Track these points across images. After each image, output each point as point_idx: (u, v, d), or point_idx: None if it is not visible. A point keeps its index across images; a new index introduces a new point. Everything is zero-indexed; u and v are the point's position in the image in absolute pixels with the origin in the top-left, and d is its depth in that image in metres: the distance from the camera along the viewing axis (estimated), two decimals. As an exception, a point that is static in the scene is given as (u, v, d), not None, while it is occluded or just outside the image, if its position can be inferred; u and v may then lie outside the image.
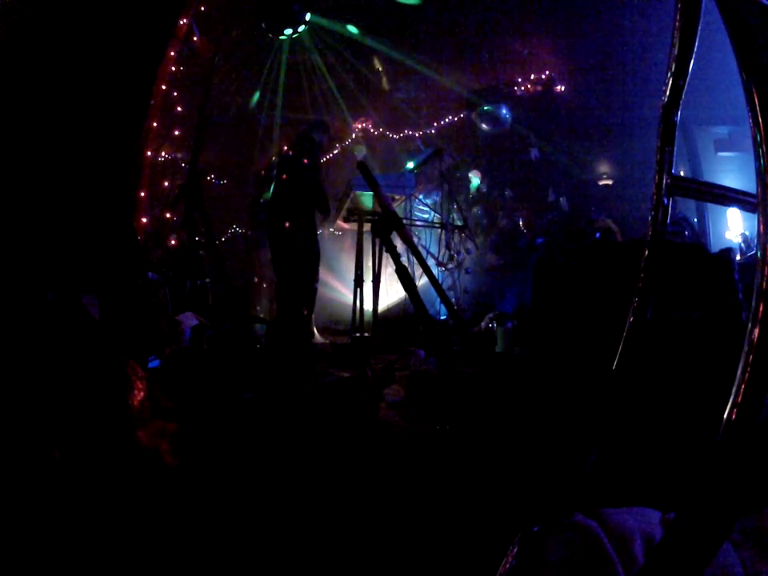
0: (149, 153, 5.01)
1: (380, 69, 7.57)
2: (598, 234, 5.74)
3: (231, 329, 3.10)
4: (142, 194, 4.75)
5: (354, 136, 8.04)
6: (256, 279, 6.23)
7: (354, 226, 4.13)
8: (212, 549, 1.16)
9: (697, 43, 0.72)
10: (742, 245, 5.63)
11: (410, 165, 5.59)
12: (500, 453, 1.66)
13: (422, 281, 4.07)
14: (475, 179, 7.33)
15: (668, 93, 0.75)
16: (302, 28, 5.44)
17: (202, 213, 2.87)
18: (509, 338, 3.77)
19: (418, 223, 5.92)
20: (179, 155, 5.72)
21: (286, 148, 4.32)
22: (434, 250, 5.66)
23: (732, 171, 6.80)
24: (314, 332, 4.64)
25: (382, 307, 4.33)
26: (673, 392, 1.48)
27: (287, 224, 4.07)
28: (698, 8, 0.71)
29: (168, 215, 5.16)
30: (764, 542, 0.77)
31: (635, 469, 1.26)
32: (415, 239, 5.54)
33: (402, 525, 1.31)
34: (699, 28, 0.72)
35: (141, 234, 4.61)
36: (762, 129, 0.58)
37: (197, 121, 3.62)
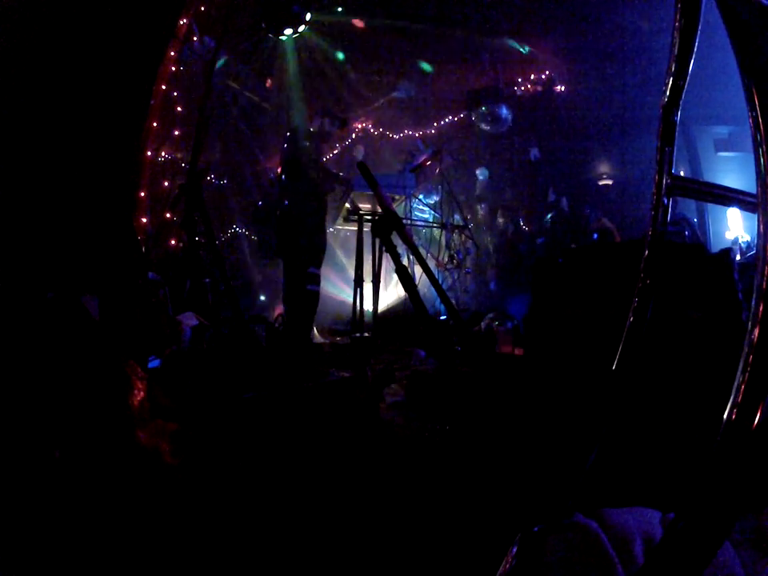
0: (149, 153, 5.01)
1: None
2: (595, 235, 5.75)
3: (231, 329, 3.10)
4: (142, 194, 4.75)
5: (353, 136, 8.03)
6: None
7: (354, 225, 4.13)
8: (212, 548, 1.16)
9: (697, 43, 0.72)
10: (742, 245, 5.64)
11: (410, 165, 5.59)
12: (500, 453, 1.66)
13: (422, 281, 4.07)
14: (482, 175, 7.38)
15: (668, 93, 0.75)
16: (302, 28, 5.43)
17: (202, 213, 2.87)
18: (509, 338, 3.77)
19: (418, 223, 5.93)
20: (179, 155, 5.71)
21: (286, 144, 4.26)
22: (434, 249, 5.67)
23: (732, 171, 6.81)
24: (313, 332, 4.63)
25: (381, 307, 4.32)
26: (673, 392, 1.48)
27: (286, 222, 4.04)
28: (698, 8, 0.71)
29: (168, 215, 5.15)
30: (764, 542, 0.77)
31: (635, 469, 1.26)
32: (415, 239, 5.54)
33: (402, 524, 1.31)
34: (699, 28, 0.72)
35: (141, 234, 4.61)
36: (762, 129, 0.58)
37: (197, 121, 3.62)
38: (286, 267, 4.10)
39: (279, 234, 4.07)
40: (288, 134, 4.22)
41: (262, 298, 6.28)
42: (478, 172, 7.40)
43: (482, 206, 7.33)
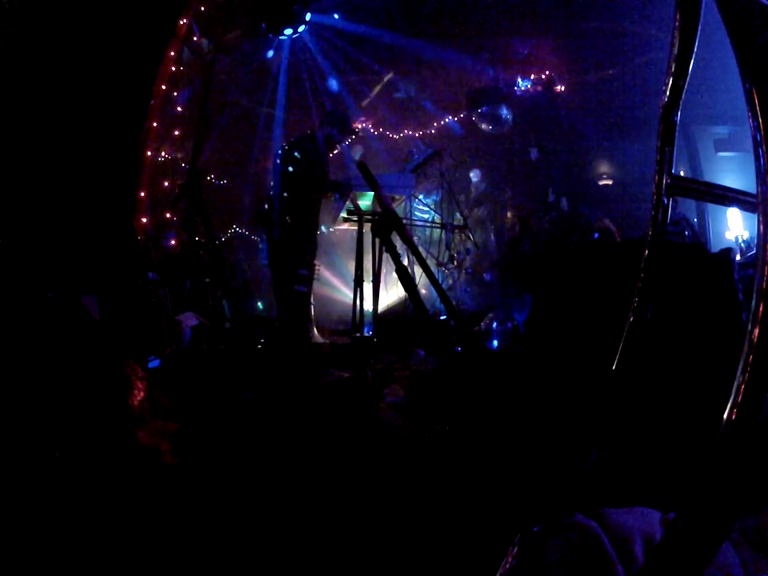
0: (149, 153, 5.01)
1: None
2: (596, 234, 5.76)
3: (231, 329, 3.10)
4: (142, 194, 4.75)
5: (353, 136, 8.03)
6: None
7: (353, 225, 4.12)
8: (212, 548, 1.16)
9: (697, 43, 0.72)
10: (742, 245, 5.63)
11: (410, 165, 5.58)
12: (500, 453, 1.66)
13: (422, 281, 4.06)
14: (476, 177, 7.38)
15: (668, 93, 0.75)
16: (302, 28, 5.43)
17: (202, 213, 2.87)
18: (509, 338, 3.77)
19: (418, 223, 5.93)
20: (179, 155, 5.71)
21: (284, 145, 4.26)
22: (434, 250, 5.67)
23: (732, 171, 6.80)
24: (313, 332, 4.63)
25: (381, 307, 4.32)
26: (673, 392, 1.48)
27: (279, 223, 4.03)
28: (698, 8, 0.71)
29: (168, 215, 5.15)
30: (764, 541, 0.77)
31: (635, 469, 1.26)
32: (415, 239, 5.54)
33: (402, 524, 1.31)
34: (699, 28, 0.72)
35: (141, 234, 4.61)
36: (762, 129, 0.58)
37: (197, 121, 3.63)
38: (275, 269, 4.10)
39: (270, 236, 4.08)
40: (288, 142, 4.23)
41: (263, 297, 6.28)
42: (471, 174, 7.39)
43: (481, 207, 7.32)
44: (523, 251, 6.20)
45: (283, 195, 4.06)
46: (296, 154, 4.05)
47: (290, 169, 4.06)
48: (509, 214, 6.80)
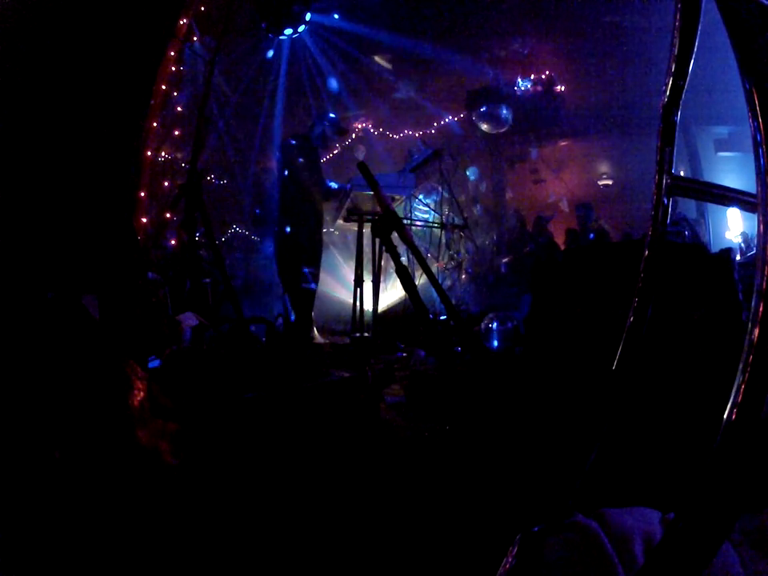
0: (149, 153, 5.00)
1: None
2: (591, 235, 5.79)
3: (231, 329, 3.10)
4: (142, 194, 4.75)
5: (354, 136, 8.03)
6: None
7: (354, 225, 4.12)
8: (212, 549, 1.16)
9: (697, 43, 0.72)
10: (742, 245, 5.63)
11: (410, 165, 5.58)
12: (500, 453, 1.66)
13: (422, 281, 4.07)
14: (473, 175, 7.38)
15: (668, 93, 0.75)
16: (302, 28, 5.44)
17: (202, 213, 2.87)
18: (509, 338, 3.78)
19: (418, 223, 5.93)
20: (179, 155, 5.71)
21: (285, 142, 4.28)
22: (433, 250, 5.67)
23: (732, 171, 6.81)
24: (314, 332, 4.63)
25: (381, 307, 4.33)
26: (673, 392, 1.48)
27: (284, 223, 4.06)
28: (698, 8, 0.71)
29: (168, 215, 5.15)
30: (764, 541, 0.77)
31: (635, 469, 1.26)
32: (415, 239, 5.53)
33: (402, 525, 1.31)
34: (699, 28, 0.72)
35: (141, 234, 4.60)
36: (762, 129, 0.58)
37: (197, 121, 3.63)
38: (282, 267, 4.13)
39: (276, 235, 4.11)
40: (287, 141, 4.24)
41: (263, 298, 6.28)
42: (468, 172, 7.40)
43: (479, 206, 7.33)
44: (521, 252, 6.22)
45: (284, 196, 4.08)
46: (291, 154, 4.07)
47: (287, 170, 4.08)
48: (504, 215, 6.82)
